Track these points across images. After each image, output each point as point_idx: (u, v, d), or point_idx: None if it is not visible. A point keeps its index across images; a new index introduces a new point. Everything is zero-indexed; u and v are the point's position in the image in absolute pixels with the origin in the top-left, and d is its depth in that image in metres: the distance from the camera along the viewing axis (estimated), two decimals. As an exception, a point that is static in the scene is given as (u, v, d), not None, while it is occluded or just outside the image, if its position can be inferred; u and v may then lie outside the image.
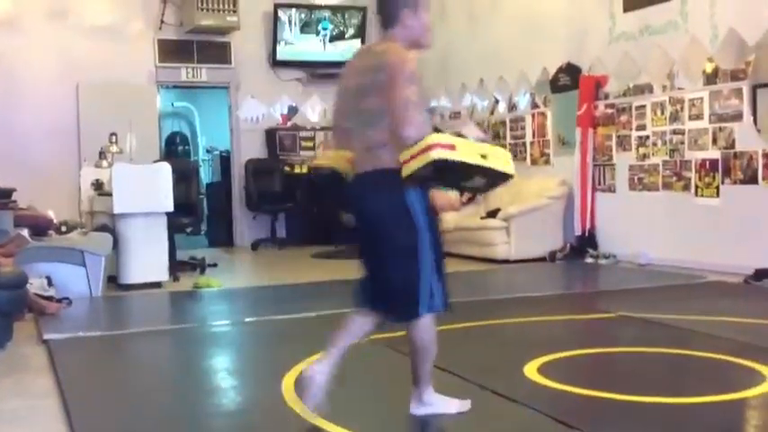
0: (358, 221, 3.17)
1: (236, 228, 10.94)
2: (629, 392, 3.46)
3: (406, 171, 2.92)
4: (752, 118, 6.82)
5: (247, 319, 5.60)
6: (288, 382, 3.75)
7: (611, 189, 8.21)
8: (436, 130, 3.09)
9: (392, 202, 3.02)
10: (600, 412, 3.34)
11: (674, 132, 7.48)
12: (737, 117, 6.86)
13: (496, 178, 3.06)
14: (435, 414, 3.23)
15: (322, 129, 11.02)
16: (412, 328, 3.16)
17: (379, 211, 3.05)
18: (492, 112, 9.91)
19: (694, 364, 3.98)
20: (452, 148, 2.87)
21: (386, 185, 3.01)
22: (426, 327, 3.16)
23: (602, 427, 3.12)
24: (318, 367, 3.19)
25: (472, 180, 3.03)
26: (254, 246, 10.31)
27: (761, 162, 6.66)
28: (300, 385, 3.25)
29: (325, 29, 11.17)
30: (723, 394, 3.44)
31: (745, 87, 6.82)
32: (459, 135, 3.02)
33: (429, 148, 2.85)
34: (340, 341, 3.26)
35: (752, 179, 6.74)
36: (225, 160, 11.52)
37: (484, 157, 2.94)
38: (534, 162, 9.20)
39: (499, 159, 3.01)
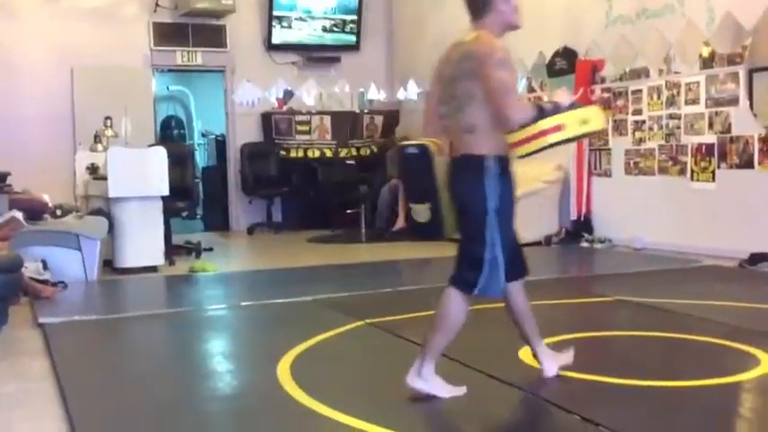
0: (452, 203, 3.26)
1: (231, 212, 10.93)
2: (624, 376, 3.47)
3: (520, 152, 3.18)
4: (748, 102, 6.80)
5: (243, 303, 5.60)
6: (283, 367, 3.76)
7: (607, 173, 8.21)
8: (538, 107, 3.20)
9: (471, 187, 3.17)
10: (596, 396, 3.35)
11: (671, 117, 7.47)
12: (734, 101, 6.85)
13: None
14: (427, 393, 3.25)
15: (318, 113, 10.99)
16: (446, 299, 3.26)
17: (461, 194, 3.20)
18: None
19: (690, 347, 3.99)
20: (561, 128, 3.13)
21: (469, 170, 3.17)
22: (459, 306, 3.25)
23: (599, 410, 3.13)
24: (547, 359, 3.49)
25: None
26: (250, 230, 10.30)
27: (756, 146, 6.66)
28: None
29: (320, 12, 11.11)
30: (718, 378, 3.45)
31: (741, 71, 6.81)
32: (555, 105, 3.18)
33: (542, 133, 3.11)
34: (527, 325, 3.48)
35: (748, 164, 6.74)
36: (220, 144, 11.49)
37: (585, 122, 3.20)
38: (530, 146, 9.17)
39: (597, 118, 3.29)
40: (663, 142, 7.55)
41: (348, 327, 4.63)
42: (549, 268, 7.25)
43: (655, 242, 7.47)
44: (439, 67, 3.39)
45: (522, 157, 3.22)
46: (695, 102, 7.20)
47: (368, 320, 4.74)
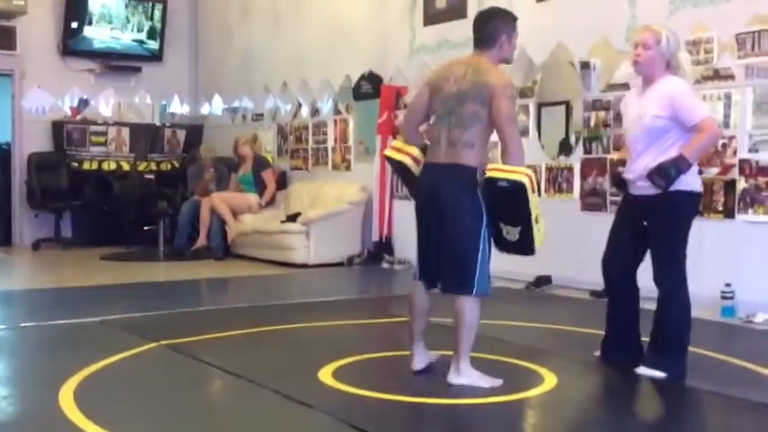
0: (430, 203, 3.68)
1: (15, 226, 10.13)
2: (420, 395, 3.54)
3: (491, 174, 3.56)
4: (537, 134, 7.25)
5: (24, 324, 5.17)
6: (66, 392, 3.50)
7: (408, 197, 8.42)
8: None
9: (466, 194, 3.59)
10: (393, 415, 3.39)
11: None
12: (525, 132, 7.26)
13: (524, 244, 3.69)
14: (470, 385, 3.60)
15: (115, 124, 10.50)
16: (463, 304, 3.64)
17: (454, 198, 3.61)
18: (295, 116, 9.89)
19: (480, 366, 4.12)
20: (533, 189, 3.54)
21: (463, 179, 3.59)
22: (476, 306, 3.68)
23: (395, 429, 3.16)
24: (417, 360, 3.86)
25: (511, 227, 3.64)
26: (36, 245, 9.61)
27: (544, 176, 7.10)
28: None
29: (121, 19, 10.65)
30: (506, 395, 3.59)
31: (531, 105, 7.25)
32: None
33: (521, 172, 3.52)
34: (418, 324, 3.86)
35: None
36: (5, 153, 10.65)
37: (536, 220, 3.58)
38: (336, 167, 9.27)
39: (540, 232, 3.63)
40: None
41: (141, 349, 4.40)
42: (349, 289, 7.33)
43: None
44: (436, 81, 3.75)
45: (488, 181, 3.60)
46: (490, 131, 7.55)
47: (163, 342, 4.53)
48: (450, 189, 3.62)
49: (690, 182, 3.83)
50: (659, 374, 3.83)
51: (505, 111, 3.55)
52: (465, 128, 3.60)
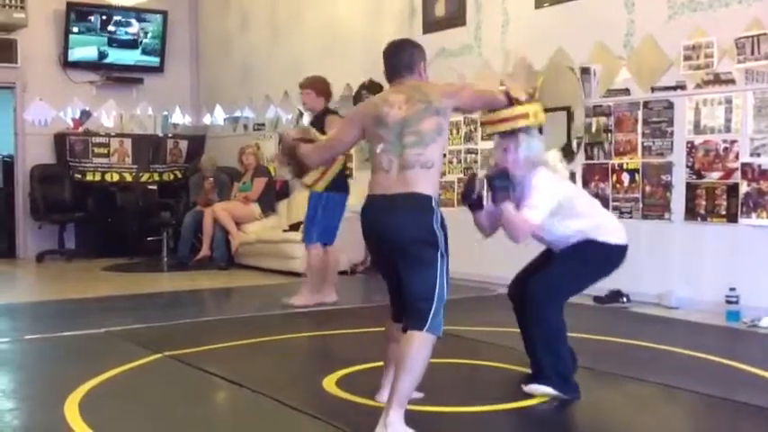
0: (383, 242, 3.39)
1: (18, 238, 10.16)
2: (427, 403, 3.52)
3: (492, 129, 3.79)
4: (538, 140, 7.25)
5: (28, 337, 5.19)
6: (71, 404, 3.50)
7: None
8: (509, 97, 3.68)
9: (422, 225, 3.24)
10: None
11: (468, 151, 7.82)
12: (526, 138, 7.28)
13: None
14: None
15: (117, 135, 10.52)
16: (410, 341, 3.15)
17: (411, 233, 3.25)
18: (297, 125, 9.90)
19: (485, 373, 4.13)
20: (526, 117, 3.72)
21: (420, 211, 3.25)
22: (425, 346, 3.16)
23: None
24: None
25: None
26: (40, 258, 9.63)
27: (546, 182, 7.09)
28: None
29: (122, 31, 10.69)
30: (512, 402, 3.59)
31: (532, 111, 7.25)
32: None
33: (514, 118, 3.68)
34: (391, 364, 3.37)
35: (537, 197, 7.17)
36: (8, 165, 10.68)
37: (536, 115, 3.76)
38: (336, 176, 9.27)
39: (541, 113, 3.80)
40: (461, 175, 7.88)
41: (144, 360, 4.41)
42: (353, 297, 7.32)
43: (453, 271, 7.71)
44: (376, 113, 3.39)
45: (492, 133, 3.91)
46: (491, 138, 7.56)
47: (167, 353, 4.53)
48: (406, 224, 3.26)
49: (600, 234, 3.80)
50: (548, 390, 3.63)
51: (472, 94, 3.65)
52: (426, 145, 3.25)
